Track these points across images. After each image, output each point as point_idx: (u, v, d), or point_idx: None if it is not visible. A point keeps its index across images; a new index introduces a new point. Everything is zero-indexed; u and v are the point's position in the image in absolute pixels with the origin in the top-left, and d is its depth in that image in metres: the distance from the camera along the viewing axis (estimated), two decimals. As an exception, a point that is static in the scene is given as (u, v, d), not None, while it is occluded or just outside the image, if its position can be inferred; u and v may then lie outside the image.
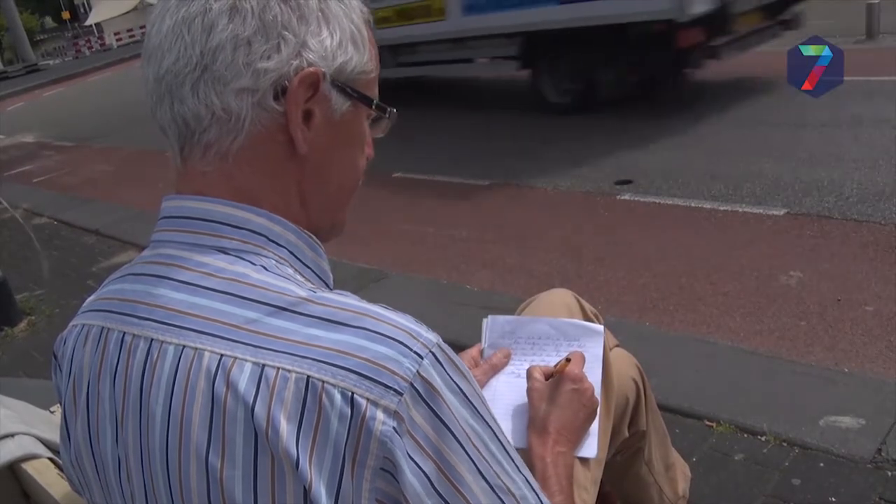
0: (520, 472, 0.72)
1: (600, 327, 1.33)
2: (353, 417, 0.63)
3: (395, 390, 0.63)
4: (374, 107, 0.80)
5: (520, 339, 1.33)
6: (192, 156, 0.75)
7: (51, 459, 1.19)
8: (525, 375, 1.27)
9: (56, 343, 0.84)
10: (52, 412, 1.37)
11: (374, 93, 0.81)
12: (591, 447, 1.21)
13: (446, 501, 0.66)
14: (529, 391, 1.17)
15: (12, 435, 1.19)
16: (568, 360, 1.18)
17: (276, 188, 0.75)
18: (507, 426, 1.17)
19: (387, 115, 0.83)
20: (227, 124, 0.72)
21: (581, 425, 1.15)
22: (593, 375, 1.27)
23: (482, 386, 1.25)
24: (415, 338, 0.66)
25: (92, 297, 0.82)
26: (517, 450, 1.12)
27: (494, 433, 0.71)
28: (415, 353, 0.65)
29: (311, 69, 0.72)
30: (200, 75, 0.71)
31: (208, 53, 0.71)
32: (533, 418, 1.14)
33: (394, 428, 0.63)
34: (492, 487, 0.69)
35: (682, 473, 1.65)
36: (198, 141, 0.74)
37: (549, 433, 1.10)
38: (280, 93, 0.72)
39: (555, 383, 1.15)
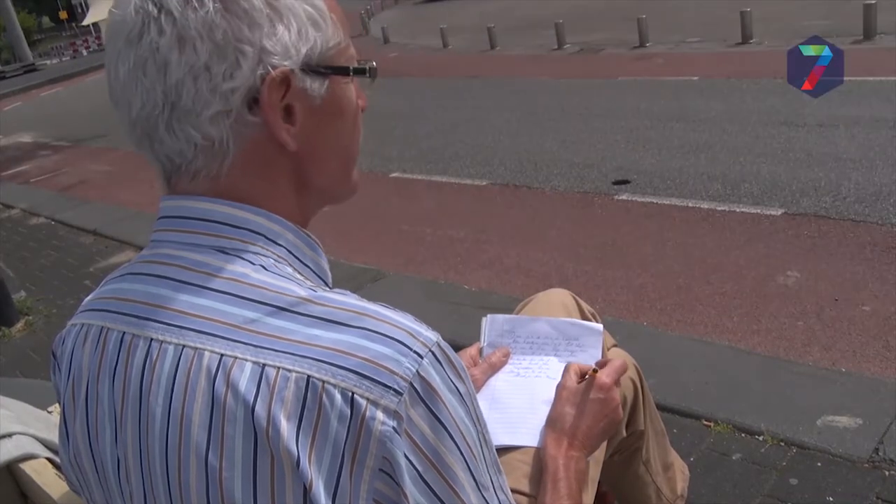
0: (488, 470, 0.72)
1: (599, 326, 1.33)
2: (352, 417, 0.63)
3: (394, 390, 0.63)
4: (352, 73, 0.78)
5: (519, 338, 1.32)
6: (181, 182, 0.75)
7: (49, 459, 1.19)
8: (525, 374, 1.27)
9: (55, 342, 0.84)
10: (49, 412, 1.37)
11: (348, 57, 0.78)
12: None
13: (441, 499, 0.67)
14: (560, 389, 1.16)
15: (10, 435, 1.19)
16: (599, 366, 1.16)
17: (270, 189, 0.75)
18: (509, 425, 1.17)
19: (368, 75, 0.79)
20: (213, 150, 0.71)
21: (600, 434, 1.14)
22: None
23: (481, 385, 1.25)
24: (414, 337, 0.66)
25: (91, 296, 0.82)
26: (526, 448, 1.14)
27: (480, 431, 0.71)
28: (414, 352, 0.65)
29: (277, 71, 0.70)
30: (171, 114, 0.70)
31: (171, 91, 0.69)
32: (554, 418, 1.13)
33: (393, 428, 0.63)
34: (477, 484, 0.69)
35: (681, 473, 1.65)
36: (185, 171, 0.73)
37: (565, 435, 1.10)
38: (254, 104, 0.71)
39: (584, 388, 1.14)
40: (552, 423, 1.13)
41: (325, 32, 0.74)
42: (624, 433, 1.40)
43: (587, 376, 1.15)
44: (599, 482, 1.31)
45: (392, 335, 0.65)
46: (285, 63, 0.71)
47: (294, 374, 0.64)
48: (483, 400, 1.22)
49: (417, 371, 0.65)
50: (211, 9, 0.68)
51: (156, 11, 0.69)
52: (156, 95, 0.70)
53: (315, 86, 0.74)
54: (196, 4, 0.68)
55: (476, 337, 1.35)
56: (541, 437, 1.14)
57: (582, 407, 1.12)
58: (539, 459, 1.10)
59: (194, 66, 0.68)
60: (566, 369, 1.18)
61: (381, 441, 0.63)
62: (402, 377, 0.64)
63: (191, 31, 0.68)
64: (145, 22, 0.69)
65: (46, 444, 1.22)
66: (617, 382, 1.16)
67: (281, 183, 0.76)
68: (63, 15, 46.52)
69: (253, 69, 0.69)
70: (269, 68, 0.70)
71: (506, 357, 1.29)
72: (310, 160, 0.77)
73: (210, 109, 0.69)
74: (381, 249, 4.78)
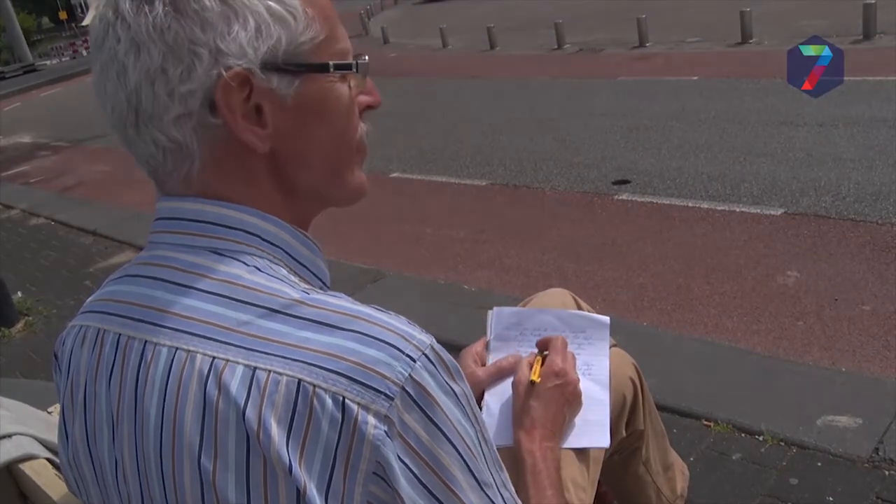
0: (489, 468, 0.72)
1: (606, 319, 1.33)
2: (343, 422, 0.62)
3: (385, 395, 0.63)
4: (332, 69, 0.75)
5: (525, 330, 1.32)
6: (165, 184, 0.76)
7: (48, 460, 1.18)
8: None
9: (56, 343, 0.85)
10: (49, 412, 1.37)
11: (334, 52, 0.75)
12: (603, 438, 1.22)
13: (439, 500, 0.66)
14: (517, 384, 1.17)
15: (10, 435, 1.19)
16: (541, 348, 1.19)
17: (251, 190, 0.74)
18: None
19: (354, 70, 0.77)
20: (179, 153, 0.72)
21: (565, 419, 1.16)
22: (601, 366, 1.27)
23: (488, 387, 1.25)
24: (407, 340, 0.66)
25: (91, 298, 0.82)
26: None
27: (478, 430, 0.71)
28: (407, 356, 0.65)
29: (231, 72, 0.69)
30: (136, 119, 0.71)
31: (133, 96, 0.70)
32: (519, 414, 1.14)
33: (385, 432, 0.63)
34: (479, 484, 0.69)
35: (681, 473, 1.65)
36: (162, 172, 0.74)
37: (536, 428, 1.11)
38: (215, 105, 0.70)
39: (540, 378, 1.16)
40: (518, 419, 1.14)
41: (293, 28, 0.71)
42: (623, 433, 1.40)
43: (534, 366, 1.17)
44: (599, 482, 1.31)
45: (384, 339, 0.65)
46: (240, 62, 0.69)
47: (285, 378, 0.63)
48: (494, 396, 1.23)
49: (410, 375, 0.64)
50: (160, 12, 0.68)
51: (113, 18, 0.70)
52: (120, 100, 0.71)
53: (283, 84, 0.72)
54: (147, 9, 0.68)
55: (475, 337, 1.35)
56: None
57: (543, 397, 1.14)
58: (511, 458, 1.10)
59: (150, 70, 0.69)
60: (518, 363, 1.20)
61: (375, 445, 0.63)
62: (393, 381, 0.63)
63: (143, 35, 0.68)
64: (106, 29, 0.71)
65: (46, 445, 1.21)
66: (566, 359, 1.18)
67: (262, 184, 0.75)
68: (63, 15, 46.51)
69: (208, 71, 0.68)
70: (223, 70, 0.68)
71: (516, 362, 1.25)
72: (288, 161, 0.75)
73: (170, 113, 0.69)
74: (381, 249, 4.78)
